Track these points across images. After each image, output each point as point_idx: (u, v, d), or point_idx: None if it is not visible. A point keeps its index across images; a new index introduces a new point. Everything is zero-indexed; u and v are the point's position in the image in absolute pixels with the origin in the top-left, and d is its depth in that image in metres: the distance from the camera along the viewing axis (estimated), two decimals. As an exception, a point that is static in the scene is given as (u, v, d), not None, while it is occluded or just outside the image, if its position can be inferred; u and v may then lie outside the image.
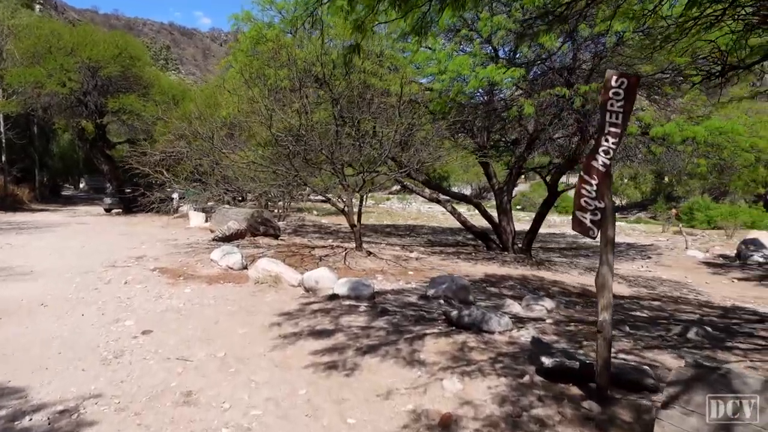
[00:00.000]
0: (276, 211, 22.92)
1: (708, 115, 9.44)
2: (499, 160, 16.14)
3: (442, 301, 6.36)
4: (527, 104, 9.15)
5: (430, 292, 6.65)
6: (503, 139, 15.93)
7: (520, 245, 14.58)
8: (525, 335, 4.65)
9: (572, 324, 5.43)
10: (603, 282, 3.22)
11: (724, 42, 5.47)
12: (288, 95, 11.17)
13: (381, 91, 10.89)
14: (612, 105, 3.20)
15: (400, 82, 9.20)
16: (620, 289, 10.36)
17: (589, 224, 3.27)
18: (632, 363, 3.91)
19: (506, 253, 13.96)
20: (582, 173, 3.31)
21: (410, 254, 12.40)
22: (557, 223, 29.02)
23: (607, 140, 3.22)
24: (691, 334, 4.92)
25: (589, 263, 14.62)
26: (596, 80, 9.55)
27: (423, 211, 32.85)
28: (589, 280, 10.96)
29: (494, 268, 11.20)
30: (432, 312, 5.68)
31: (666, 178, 39.08)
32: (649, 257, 16.31)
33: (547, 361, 3.55)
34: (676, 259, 15.86)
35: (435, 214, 29.28)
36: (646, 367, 3.66)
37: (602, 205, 3.24)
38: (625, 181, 43.48)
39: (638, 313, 6.82)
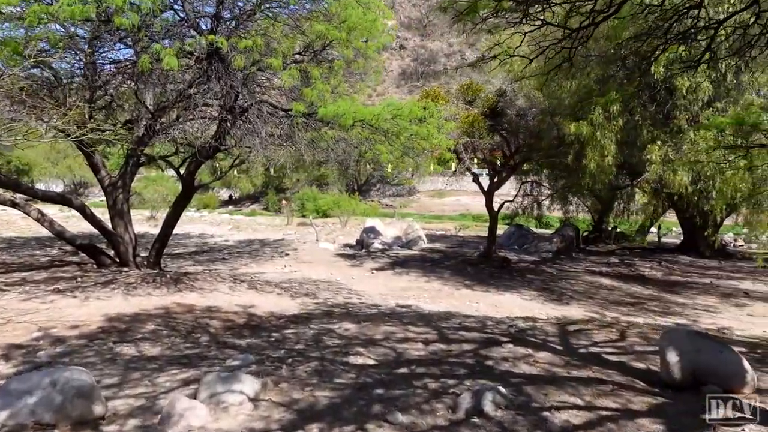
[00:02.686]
0: None
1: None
2: (110, 147, 12.11)
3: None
4: (167, 53, 6.06)
5: (2, 416, 3.07)
6: (109, 120, 11.97)
7: (144, 256, 11.18)
8: None
9: None
10: None
11: None
12: None
13: None
14: None
15: None
16: (286, 304, 8.66)
17: None
18: None
19: (127, 269, 10.36)
20: None
21: (-38, 296, 7.47)
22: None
23: None
24: (488, 406, 3.38)
25: (229, 270, 12.53)
26: (246, 37, 7.25)
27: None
28: (243, 299, 8.82)
29: (118, 302, 7.70)
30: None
31: (272, 170, 41.01)
32: (287, 254, 15.50)
33: None
34: (312, 253, 15.55)
35: (12, 219, 21.37)
36: None
37: None
38: (235, 172, 43.34)
39: (362, 360, 5.06)
